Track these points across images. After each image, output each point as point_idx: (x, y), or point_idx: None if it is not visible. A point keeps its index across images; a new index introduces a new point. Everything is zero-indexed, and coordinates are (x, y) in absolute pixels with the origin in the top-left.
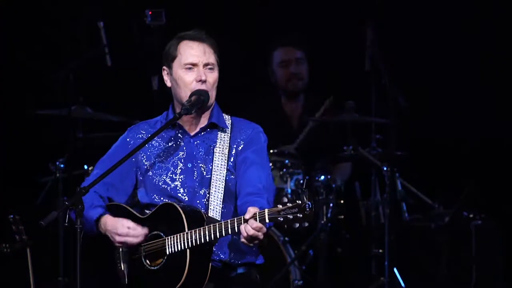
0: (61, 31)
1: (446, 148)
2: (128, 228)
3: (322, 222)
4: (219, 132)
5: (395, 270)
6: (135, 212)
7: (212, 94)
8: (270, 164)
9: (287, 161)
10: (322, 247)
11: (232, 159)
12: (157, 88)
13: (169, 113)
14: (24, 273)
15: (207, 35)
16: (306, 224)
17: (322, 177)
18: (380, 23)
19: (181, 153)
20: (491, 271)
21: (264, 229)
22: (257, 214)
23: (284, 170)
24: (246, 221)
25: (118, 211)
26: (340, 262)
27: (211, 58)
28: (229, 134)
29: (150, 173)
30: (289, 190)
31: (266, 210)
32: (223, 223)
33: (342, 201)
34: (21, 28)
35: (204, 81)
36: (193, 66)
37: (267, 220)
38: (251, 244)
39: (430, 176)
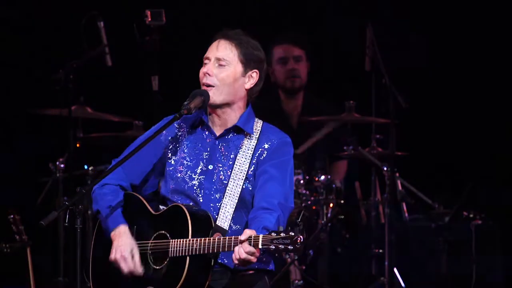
0: (61, 31)
1: (446, 148)
2: (125, 257)
3: (322, 222)
4: (245, 138)
5: (395, 270)
6: (148, 207)
7: (221, 92)
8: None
9: None
10: (322, 247)
11: (252, 168)
12: (157, 88)
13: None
14: (24, 273)
15: (243, 35)
16: (296, 257)
17: (322, 177)
18: (380, 23)
19: (205, 154)
20: (491, 271)
21: (257, 254)
22: (252, 238)
23: None
24: (241, 242)
25: (132, 204)
26: (340, 262)
27: (224, 53)
28: (255, 141)
29: (172, 168)
30: None
31: (261, 236)
32: (221, 240)
33: (342, 201)
34: (21, 28)
35: (208, 75)
36: (207, 61)
37: (260, 246)
38: (242, 266)
39: (430, 176)
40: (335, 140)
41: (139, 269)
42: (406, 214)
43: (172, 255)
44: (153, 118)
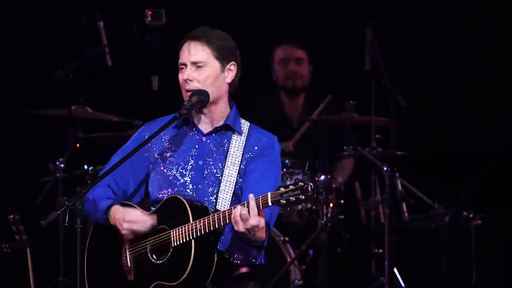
0: (61, 31)
1: (446, 148)
2: (137, 215)
3: (322, 222)
4: (233, 135)
5: (395, 270)
6: (139, 208)
7: (212, 91)
8: None
9: (287, 161)
10: (322, 247)
11: (243, 164)
12: (157, 88)
13: None
14: (24, 273)
15: (209, 31)
16: (309, 205)
17: (322, 177)
18: (380, 23)
19: (193, 150)
20: (491, 271)
21: (256, 214)
22: (260, 197)
23: (284, 170)
24: (248, 204)
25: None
26: (340, 262)
27: (197, 56)
28: (244, 139)
29: (161, 167)
30: None
31: (269, 193)
32: (226, 211)
33: (342, 201)
34: (21, 27)
35: (189, 81)
36: (184, 67)
37: (269, 204)
38: (247, 233)
39: (430, 176)
40: (336, 140)
41: (150, 219)
42: (406, 214)
43: (175, 244)
44: (153, 118)
